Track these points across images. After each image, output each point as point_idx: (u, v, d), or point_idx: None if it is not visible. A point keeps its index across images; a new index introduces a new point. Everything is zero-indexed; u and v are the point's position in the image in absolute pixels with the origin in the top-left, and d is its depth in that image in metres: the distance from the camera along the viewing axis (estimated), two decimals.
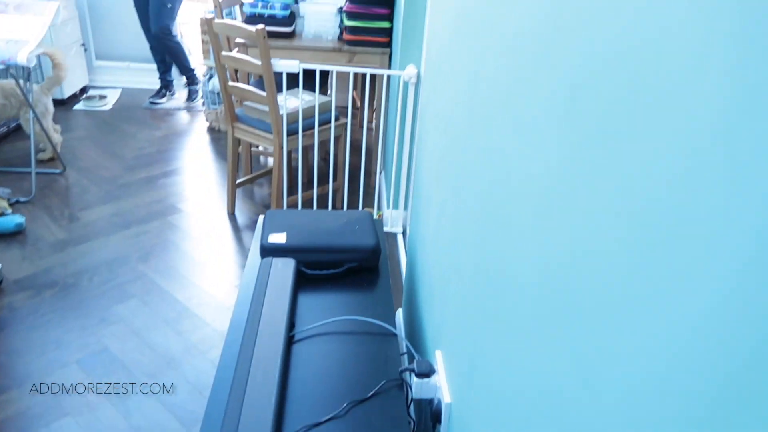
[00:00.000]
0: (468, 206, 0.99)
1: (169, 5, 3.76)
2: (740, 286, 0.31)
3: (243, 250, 2.53)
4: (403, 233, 2.65)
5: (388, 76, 2.79)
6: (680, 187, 0.37)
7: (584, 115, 0.53)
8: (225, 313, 2.13)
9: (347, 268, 1.51)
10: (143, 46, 4.21)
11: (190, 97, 4.21)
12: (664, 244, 0.38)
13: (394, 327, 1.30)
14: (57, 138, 3.20)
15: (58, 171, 3.10)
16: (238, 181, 2.80)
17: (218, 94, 3.67)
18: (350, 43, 2.79)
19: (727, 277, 0.32)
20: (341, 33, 2.90)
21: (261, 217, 1.74)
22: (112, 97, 4.16)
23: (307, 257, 1.51)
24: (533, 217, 0.65)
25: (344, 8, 2.76)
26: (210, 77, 3.67)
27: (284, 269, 1.44)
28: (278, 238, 1.54)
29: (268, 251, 1.51)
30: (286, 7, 2.83)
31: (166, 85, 4.21)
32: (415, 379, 1.13)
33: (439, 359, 1.16)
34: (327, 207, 2.81)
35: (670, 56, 0.39)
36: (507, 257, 0.74)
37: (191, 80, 4.19)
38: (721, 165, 0.33)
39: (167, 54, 3.99)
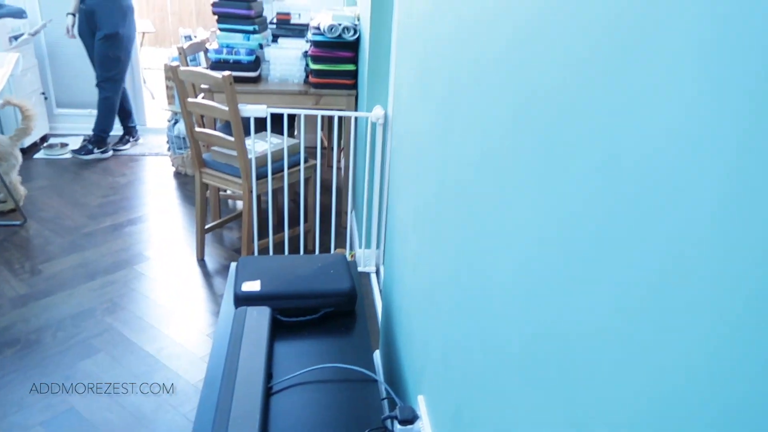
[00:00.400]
0: (447, 256, 0.99)
1: (112, 55, 3.64)
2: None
3: (214, 297, 2.48)
4: (377, 272, 2.64)
5: (356, 117, 2.82)
6: (665, 270, 0.38)
7: (570, 168, 0.54)
8: (198, 365, 2.07)
9: (324, 313, 1.49)
10: (95, 89, 4.17)
11: (81, 152, 3.87)
12: (650, 314, 0.39)
13: (374, 371, 1.28)
14: (22, 190, 3.11)
15: (18, 223, 3.01)
16: (207, 227, 2.76)
17: (184, 138, 3.64)
18: (316, 85, 2.82)
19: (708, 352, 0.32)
20: (307, 76, 2.93)
21: (233, 265, 1.71)
22: (73, 145, 4.09)
23: (282, 304, 1.49)
24: (513, 269, 0.66)
25: (309, 52, 2.80)
26: (175, 122, 3.64)
27: (259, 318, 1.41)
28: (252, 286, 1.51)
29: (242, 300, 1.48)
30: (251, 52, 2.85)
31: (129, 131, 4.15)
32: (398, 427, 1.11)
33: (422, 405, 1.14)
34: (299, 249, 2.78)
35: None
36: (490, 305, 0.74)
37: (99, 142, 3.87)
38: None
39: (99, 110, 3.79)
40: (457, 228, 0.92)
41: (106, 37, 3.59)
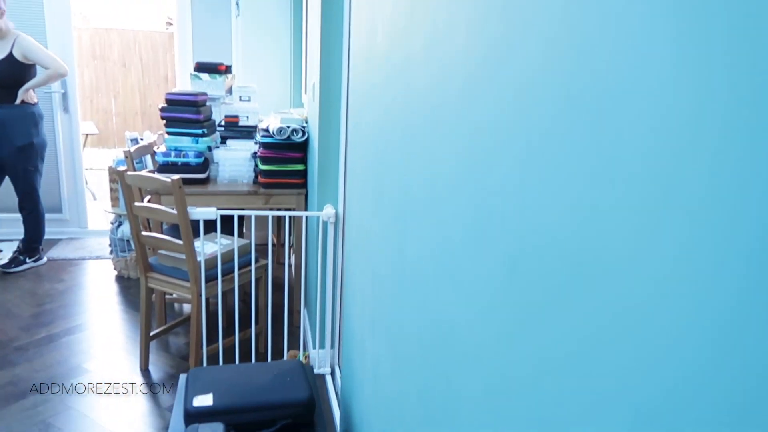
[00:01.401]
0: (410, 367, 0.98)
1: (30, 166, 3.48)
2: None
3: (160, 410, 2.33)
4: (332, 373, 2.56)
5: (307, 217, 2.83)
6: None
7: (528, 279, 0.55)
8: None
9: (281, 426, 1.42)
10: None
11: (12, 264, 3.59)
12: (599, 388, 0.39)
13: None
14: None
15: None
16: (151, 333, 2.63)
17: (128, 241, 3.55)
18: (266, 185, 2.84)
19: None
20: (256, 176, 2.95)
21: (183, 378, 1.62)
22: (7, 251, 3.91)
23: (236, 419, 1.41)
24: (480, 382, 0.65)
25: (258, 153, 2.84)
26: (119, 224, 3.56)
27: None
28: (204, 400, 1.43)
29: (194, 416, 1.40)
30: (199, 154, 2.87)
31: (31, 251, 3.73)
32: None
33: None
34: (250, 352, 2.68)
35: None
36: (458, 415, 0.72)
37: (31, 251, 3.65)
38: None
39: (26, 224, 3.59)
40: (418, 336, 0.91)
41: (20, 149, 3.40)
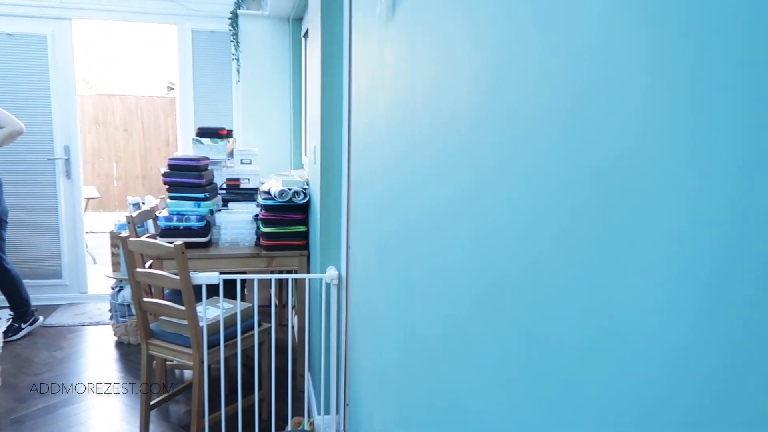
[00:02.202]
0: None
1: None
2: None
3: None
4: None
5: (310, 279, 2.81)
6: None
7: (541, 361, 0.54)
8: None
9: None
10: (35, 259, 4.05)
11: (9, 334, 3.51)
12: None
13: None
14: None
15: None
16: (152, 402, 2.56)
17: (128, 306, 3.51)
18: (268, 248, 2.83)
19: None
20: (258, 238, 2.95)
21: None
22: (3, 319, 3.85)
23: None
24: None
25: (260, 216, 2.85)
26: (119, 289, 3.53)
27: None
28: None
29: None
30: (201, 218, 2.88)
31: (21, 316, 3.67)
32: None
33: None
34: (253, 420, 2.60)
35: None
36: None
37: (23, 316, 3.58)
38: None
39: (2, 289, 3.53)
40: (429, 413, 0.89)
41: None
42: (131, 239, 2.37)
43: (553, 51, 0.54)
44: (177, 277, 2.23)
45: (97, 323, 3.87)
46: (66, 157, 4.16)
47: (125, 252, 2.40)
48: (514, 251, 0.61)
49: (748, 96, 0.33)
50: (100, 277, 4.68)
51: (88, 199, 6.22)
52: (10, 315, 3.61)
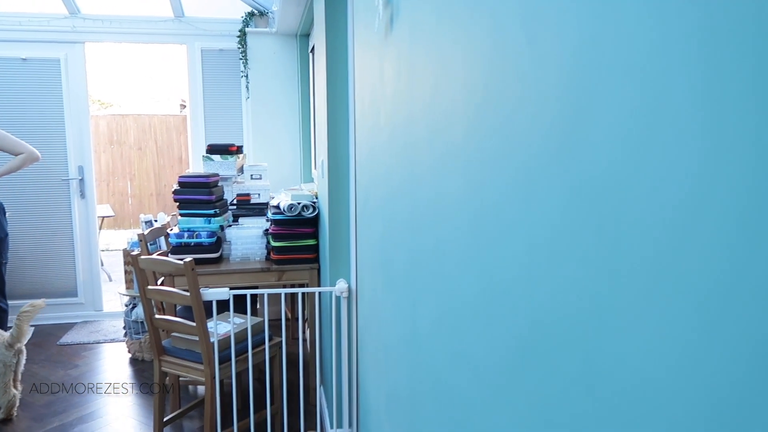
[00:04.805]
0: None
1: (4, 260, 3.45)
2: None
3: None
4: None
5: (320, 292, 2.82)
6: None
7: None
8: None
9: None
10: (51, 279, 4.10)
11: None
12: None
13: None
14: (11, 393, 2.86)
15: None
16: (165, 419, 2.57)
17: (142, 323, 3.53)
18: (278, 262, 2.84)
19: None
20: (269, 253, 2.96)
21: None
22: None
23: None
24: None
25: (270, 230, 2.87)
26: (133, 306, 3.56)
27: None
28: None
29: None
30: (212, 234, 2.90)
31: None
32: None
33: None
34: None
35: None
36: None
37: None
38: None
39: None
40: (436, 420, 0.88)
41: None
42: (142, 257, 2.39)
43: (541, 62, 0.54)
44: (187, 294, 2.25)
45: (112, 340, 3.89)
46: (80, 177, 4.22)
47: (136, 270, 2.42)
48: (508, 252, 0.61)
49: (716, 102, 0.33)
50: (114, 295, 4.72)
51: (103, 217, 6.29)
52: None
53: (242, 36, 4.14)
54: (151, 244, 3.57)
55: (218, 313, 2.84)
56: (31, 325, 4.13)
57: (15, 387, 2.89)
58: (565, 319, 0.50)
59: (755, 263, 0.31)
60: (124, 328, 3.64)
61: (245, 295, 3.09)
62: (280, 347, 2.59)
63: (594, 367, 0.46)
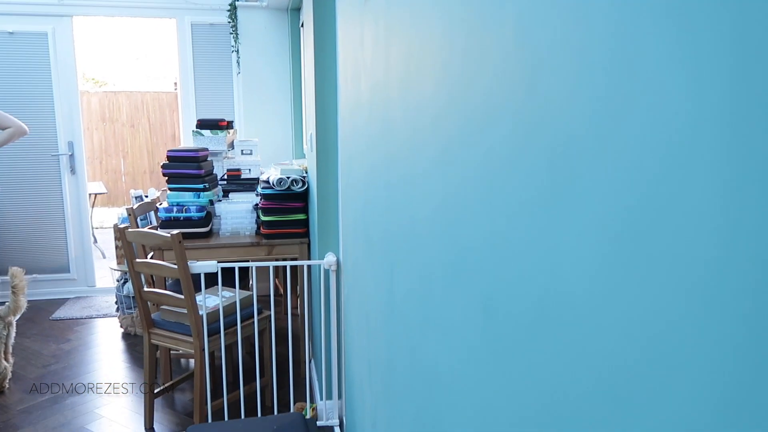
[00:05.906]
0: (401, 416, 0.95)
1: None
2: None
3: None
4: (341, 425, 2.50)
5: (309, 265, 2.83)
6: None
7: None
8: None
9: None
10: (43, 255, 4.09)
11: None
12: None
13: None
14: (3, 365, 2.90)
15: None
16: (156, 390, 2.60)
17: (133, 297, 3.55)
18: (268, 236, 2.85)
19: None
20: (258, 227, 2.97)
21: None
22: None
23: None
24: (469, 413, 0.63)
25: (259, 205, 2.87)
26: (125, 282, 3.57)
27: None
28: None
29: None
30: (201, 209, 2.90)
31: None
32: None
33: None
34: (256, 407, 2.63)
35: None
36: None
37: None
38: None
39: None
40: (410, 385, 0.89)
41: None
42: (129, 230, 2.39)
43: (523, 34, 0.54)
44: (175, 267, 2.26)
45: (105, 315, 3.91)
46: (70, 153, 4.19)
47: (124, 243, 2.42)
48: (475, 221, 0.62)
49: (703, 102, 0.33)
50: (107, 271, 4.73)
51: (96, 194, 6.28)
52: None
53: (232, 10, 4.08)
54: (141, 219, 3.57)
55: (208, 288, 2.86)
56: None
57: (6, 360, 2.91)
58: (522, 285, 0.51)
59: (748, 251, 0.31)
60: (116, 303, 3.65)
61: (234, 269, 3.09)
62: (270, 320, 2.61)
63: (549, 326, 0.46)
